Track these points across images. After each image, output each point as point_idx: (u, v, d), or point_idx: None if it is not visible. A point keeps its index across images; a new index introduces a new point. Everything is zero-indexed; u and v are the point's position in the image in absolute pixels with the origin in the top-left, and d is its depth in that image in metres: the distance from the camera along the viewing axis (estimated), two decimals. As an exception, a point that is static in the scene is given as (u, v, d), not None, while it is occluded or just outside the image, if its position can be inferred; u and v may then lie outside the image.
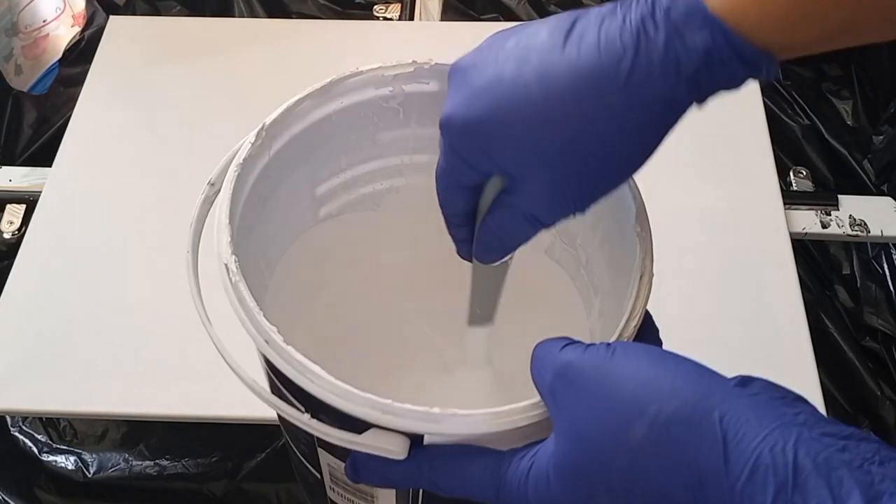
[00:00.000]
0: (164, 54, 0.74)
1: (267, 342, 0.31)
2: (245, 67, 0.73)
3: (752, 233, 0.60)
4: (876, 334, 0.65)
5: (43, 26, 0.83)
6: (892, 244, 0.67)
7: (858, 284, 0.67)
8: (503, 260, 0.34)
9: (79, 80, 0.73)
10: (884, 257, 0.67)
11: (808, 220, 0.63)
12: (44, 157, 0.70)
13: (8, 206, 0.67)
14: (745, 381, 0.25)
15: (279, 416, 0.35)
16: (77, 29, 0.84)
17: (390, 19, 0.79)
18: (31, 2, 0.81)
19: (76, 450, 0.58)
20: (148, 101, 0.71)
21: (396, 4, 0.80)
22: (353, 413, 0.28)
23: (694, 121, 0.71)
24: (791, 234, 0.60)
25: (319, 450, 0.35)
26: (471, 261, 0.35)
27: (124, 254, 0.61)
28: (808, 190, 0.67)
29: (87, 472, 0.57)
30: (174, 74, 0.72)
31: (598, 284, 0.40)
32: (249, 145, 0.36)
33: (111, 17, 0.78)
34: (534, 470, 0.28)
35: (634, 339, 0.31)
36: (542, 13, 0.80)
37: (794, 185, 0.68)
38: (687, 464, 0.24)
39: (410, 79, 0.39)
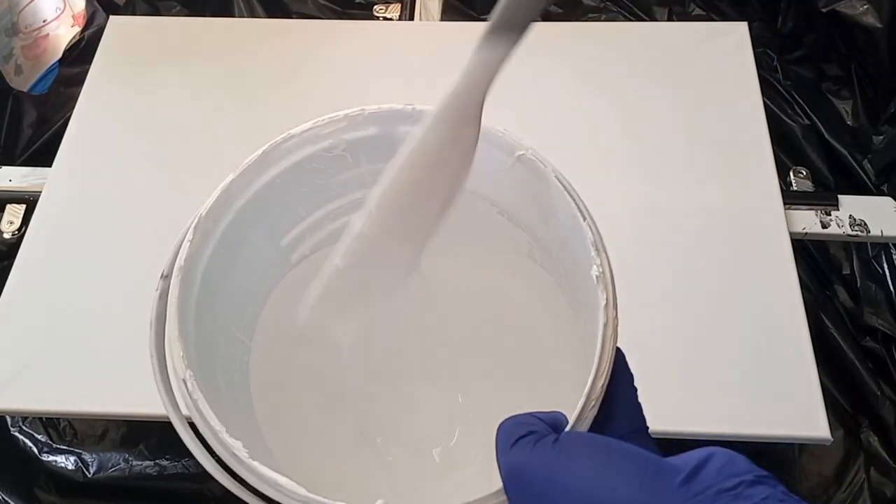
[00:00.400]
0: (164, 54, 0.74)
1: (233, 459, 0.31)
2: (245, 67, 0.73)
3: (752, 233, 0.60)
4: (876, 334, 0.65)
5: (43, 26, 0.83)
6: (892, 244, 0.67)
7: (858, 284, 0.67)
8: None
9: (79, 80, 0.73)
10: (884, 257, 0.67)
11: (808, 220, 0.63)
12: (44, 157, 0.70)
13: (8, 206, 0.67)
14: (695, 472, 0.25)
15: None
16: (77, 29, 0.84)
17: (390, 19, 0.79)
18: (31, 2, 0.81)
19: (76, 450, 0.58)
20: (148, 100, 0.71)
21: (396, 4, 0.80)
22: None
23: (694, 121, 0.71)
24: (791, 234, 0.60)
25: None
26: None
27: (124, 253, 0.61)
28: (808, 190, 0.67)
29: (87, 472, 0.57)
30: (174, 74, 0.72)
31: (580, 297, 0.40)
32: (189, 243, 0.36)
33: (111, 17, 0.78)
34: None
35: (608, 385, 0.31)
36: (542, 13, 0.80)
37: (794, 185, 0.68)
38: None
39: (348, 129, 0.39)
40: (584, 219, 0.35)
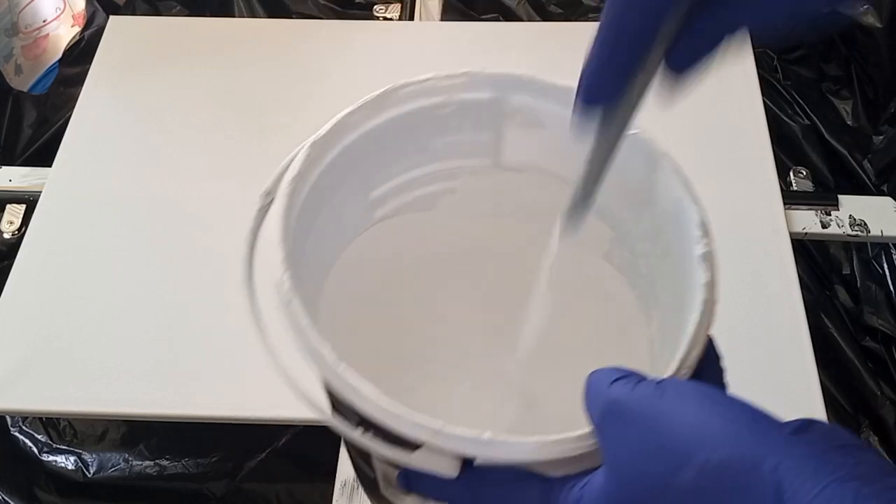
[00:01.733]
0: (164, 54, 0.74)
1: (321, 362, 0.31)
2: (245, 67, 0.73)
3: (752, 233, 0.60)
4: (876, 334, 0.65)
5: (43, 26, 0.83)
6: (892, 244, 0.67)
7: (858, 284, 0.67)
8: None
9: (79, 80, 0.73)
10: (884, 257, 0.67)
11: (808, 220, 0.63)
12: (44, 157, 0.70)
13: (8, 206, 0.67)
14: (802, 428, 0.24)
15: None
16: (77, 29, 0.84)
17: (390, 19, 0.79)
18: (31, 2, 0.81)
19: (76, 450, 0.58)
20: (148, 101, 0.71)
21: (396, 4, 0.80)
22: (405, 434, 0.29)
23: (694, 121, 0.71)
24: (791, 234, 0.60)
25: (373, 458, 0.35)
26: (608, 101, 0.32)
27: (124, 254, 0.61)
28: (808, 190, 0.67)
29: (87, 472, 0.57)
30: (174, 74, 0.72)
31: (659, 297, 0.39)
32: (300, 161, 0.36)
33: (111, 17, 0.78)
34: (583, 501, 0.27)
35: (695, 369, 0.30)
36: (542, 13, 0.80)
37: (794, 185, 0.68)
38: None
39: (463, 89, 0.38)
40: (692, 200, 0.35)
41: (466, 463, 0.29)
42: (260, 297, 0.34)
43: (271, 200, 0.36)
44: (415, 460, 0.29)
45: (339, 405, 0.32)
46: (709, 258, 0.32)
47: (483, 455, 0.29)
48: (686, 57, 0.30)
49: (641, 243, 0.39)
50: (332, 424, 0.31)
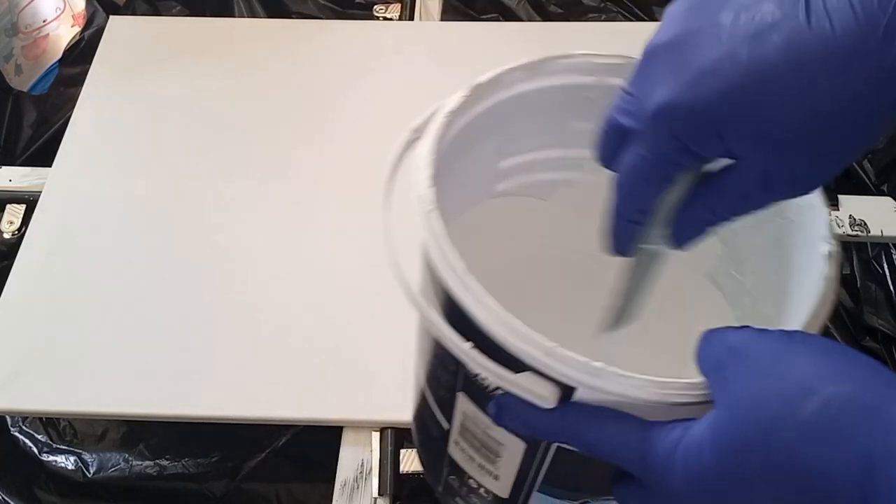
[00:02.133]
0: (164, 54, 0.74)
1: (451, 268, 0.31)
2: (245, 67, 0.73)
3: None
4: (876, 334, 0.65)
5: (43, 26, 0.83)
6: (892, 244, 0.67)
7: (858, 284, 0.67)
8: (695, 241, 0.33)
9: (79, 80, 0.73)
10: (884, 257, 0.67)
11: (808, 220, 0.63)
12: (44, 157, 0.70)
13: (8, 206, 0.67)
14: None
15: (431, 355, 0.35)
16: (77, 29, 0.84)
17: (390, 19, 0.79)
18: (31, 2, 0.81)
19: (76, 450, 0.58)
20: (148, 100, 0.71)
21: (396, 4, 0.80)
22: (517, 350, 0.29)
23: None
24: (791, 234, 0.60)
25: (459, 395, 0.35)
26: (625, 254, 0.34)
27: (124, 254, 0.61)
28: (808, 190, 0.67)
29: (87, 472, 0.57)
30: (174, 74, 0.72)
31: (762, 314, 0.39)
32: (460, 98, 0.36)
33: (111, 17, 0.78)
34: (686, 439, 0.27)
35: None
36: (542, 13, 0.80)
37: (794, 185, 0.68)
38: (858, 446, 0.24)
39: (617, 72, 0.37)
40: (823, 203, 0.34)
41: (565, 396, 0.29)
42: (394, 224, 0.35)
43: (417, 138, 0.36)
44: (517, 382, 0.29)
45: (453, 317, 0.31)
46: (834, 257, 0.33)
47: (589, 384, 0.28)
48: (681, 237, 0.32)
49: (753, 258, 0.39)
50: (442, 333, 0.31)
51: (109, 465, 0.57)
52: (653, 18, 0.80)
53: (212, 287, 0.60)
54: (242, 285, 0.60)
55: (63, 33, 0.84)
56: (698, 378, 0.28)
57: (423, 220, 0.33)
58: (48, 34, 0.84)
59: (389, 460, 0.53)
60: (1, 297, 0.60)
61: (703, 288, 0.42)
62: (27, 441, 0.58)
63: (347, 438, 0.55)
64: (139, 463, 0.57)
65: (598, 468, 0.32)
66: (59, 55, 0.81)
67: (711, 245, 0.39)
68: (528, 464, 0.34)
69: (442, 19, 0.79)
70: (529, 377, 0.29)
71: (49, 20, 0.83)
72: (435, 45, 0.74)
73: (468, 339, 0.30)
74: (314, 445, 0.56)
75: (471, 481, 0.38)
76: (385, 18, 0.79)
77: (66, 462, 0.57)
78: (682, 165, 0.29)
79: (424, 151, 0.35)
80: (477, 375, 0.32)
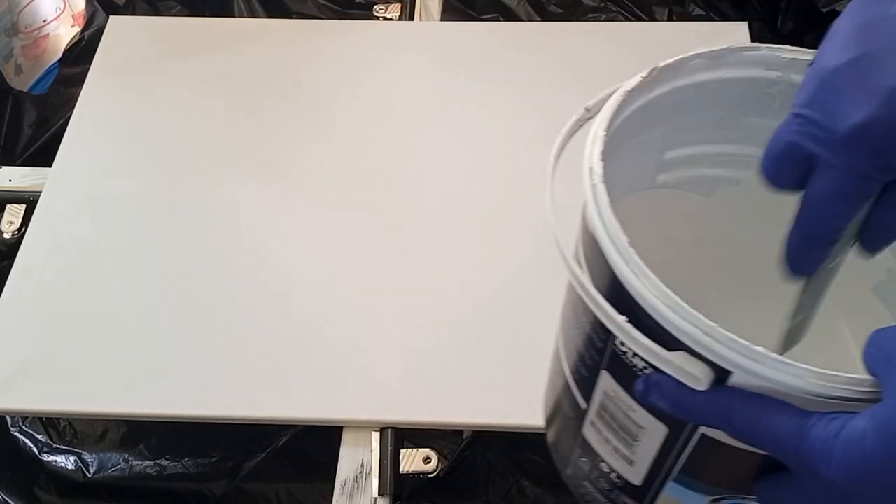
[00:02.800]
0: (164, 54, 0.74)
1: (611, 240, 0.31)
2: (245, 67, 0.73)
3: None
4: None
5: (43, 26, 0.83)
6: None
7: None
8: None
9: (79, 80, 0.73)
10: (884, 257, 0.67)
11: (808, 220, 0.63)
12: (44, 157, 0.70)
13: (8, 206, 0.67)
14: None
15: (577, 330, 0.35)
16: (77, 29, 0.84)
17: (390, 19, 0.79)
18: (31, 2, 0.81)
19: (76, 450, 0.58)
20: (148, 100, 0.71)
21: (396, 4, 0.80)
22: (676, 327, 0.28)
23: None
24: (791, 234, 0.60)
25: (602, 373, 0.34)
26: (808, 275, 0.34)
27: (124, 254, 0.61)
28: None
29: (87, 472, 0.57)
30: (174, 74, 0.72)
31: None
32: (639, 79, 0.36)
33: (111, 17, 0.78)
34: (848, 428, 0.26)
35: None
36: (542, 13, 0.80)
37: (794, 185, 0.68)
38: None
39: (803, 69, 0.36)
40: None
41: (719, 379, 0.28)
42: (557, 200, 0.35)
43: (589, 117, 0.36)
44: (671, 361, 0.29)
45: (609, 290, 0.31)
46: None
47: (748, 369, 0.27)
48: (874, 246, 0.33)
49: None
50: (596, 304, 0.30)
51: (109, 465, 0.57)
52: (652, 18, 0.80)
53: (212, 287, 0.60)
54: (242, 285, 0.60)
55: (63, 33, 0.84)
56: (865, 375, 0.27)
57: (590, 191, 0.33)
58: (48, 34, 0.84)
59: (389, 460, 0.53)
60: (1, 297, 0.60)
61: (868, 301, 0.41)
62: (27, 441, 0.58)
63: (347, 438, 0.55)
64: (139, 463, 0.57)
65: (741, 461, 0.31)
66: (59, 55, 0.81)
67: (881, 257, 0.38)
68: (668, 450, 0.33)
69: (442, 19, 0.79)
70: (684, 357, 0.28)
71: (49, 20, 0.83)
72: (435, 45, 0.74)
73: (623, 314, 0.30)
74: (314, 445, 0.56)
75: (603, 465, 0.38)
76: (385, 18, 0.79)
77: (66, 462, 0.57)
78: (880, 182, 0.30)
79: (599, 126, 0.34)
80: (626, 353, 0.31)
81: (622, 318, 0.30)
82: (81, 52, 0.79)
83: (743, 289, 0.42)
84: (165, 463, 0.57)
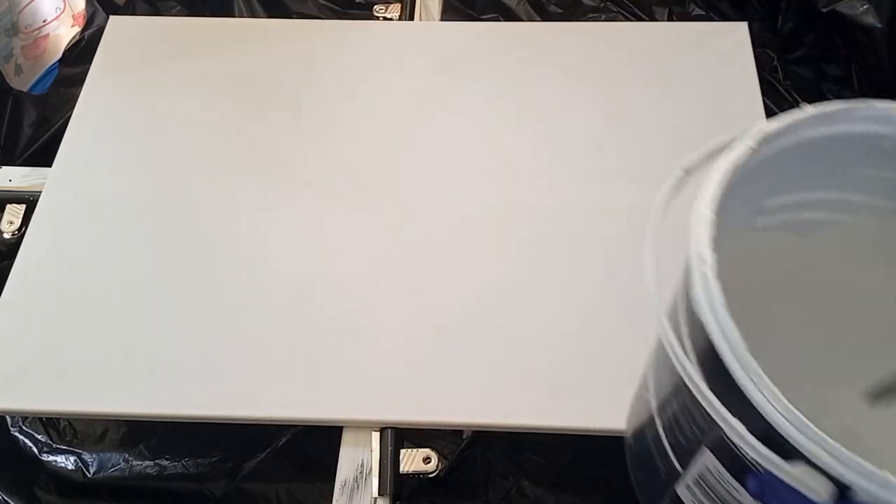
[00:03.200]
0: (164, 54, 0.74)
1: (726, 342, 0.29)
2: (245, 67, 0.73)
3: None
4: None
5: (43, 26, 0.83)
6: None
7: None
8: None
9: (79, 80, 0.73)
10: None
11: (808, 220, 0.63)
12: (44, 157, 0.70)
13: (8, 206, 0.67)
14: None
15: (678, 403, 0.34)
16: (77, 29, 0.84)
17: (390, 19, 0.79)
18: (31, 2, 0.81)
19: (76, 450, 0.58)
20: (148, 101, 0.71)
21: (396, 4, 0.80)
22: (797, 442, 0.27)
23: (694, 121, 0.71)
24: (791, 234, 0.60)
25: (705, 449, 0.34)
26: None
27: (124, 254, 0.61)
28: (809, 190, 0.67)
29: (87, 472, 0.57)
30: (174, 74, 0.72)
31: None
32: (748, 149, 0.35)
33: (111, 17, 0.78)
34: None
35: None
36: (542, 13, 0.80)
37: (794, 185, 0.68)
38: None
39: None
40: None
41: (842, 494, 0.28)
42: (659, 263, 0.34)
43: (687, 179, 0.36)
44: (792, 474, 0.28)
45: (719, 386, 0.30)
46: None
47: (871, 492, 0.27)
48: None
49: None
50: (711, 405, 0.30)
51: (109, 465, 0.57)
52: (652, 18, 0.80)
53: (212, 287, 0.60)
54: (242, 285, 0.60)
55: (63, 33, 0.84)
56: None
57: (700, 281, 0.31)
58: (48, 34, 0.84)
59: (389, 460, 0.53)
60: (1, 297, 0.60)
61: None
62: (27, 441, 0.58)
63: (347, 438, 0.55)
64: (139, 463, 0.57)
65: None
66: (59, 55, 0.81)
67: None
68: None
69: (442, 19, 0.79)
70: (806, 470, 0.28)
71: (49, 20, 0.83)
72: (435, 45, 0.74)
73: (733, 411, 0.29)
74: (314, 445, 0.56)
75: None
76: (385, 18, 0.79)
77: (66, 462, 0.57)
78: None
79: (706, 207, 0.33)
80: (738, 447, 0.30)
81: (741, 425, 0.29)
82: (81, 52, 0.79)
83: (844, 327, 0.41)
84: (165, 463, 0.57)
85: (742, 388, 0.29)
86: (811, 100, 0.76)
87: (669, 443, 0.36)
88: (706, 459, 0.33)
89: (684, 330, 0.33)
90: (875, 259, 0.34)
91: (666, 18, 0.80)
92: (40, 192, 0.65)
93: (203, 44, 0.75)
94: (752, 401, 0.28)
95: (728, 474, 0.32)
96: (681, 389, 0.33)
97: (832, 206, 0.41)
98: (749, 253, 0.41)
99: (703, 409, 0.30)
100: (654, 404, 0.38)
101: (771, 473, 0.29)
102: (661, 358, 0.37)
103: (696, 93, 0.68)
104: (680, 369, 0.31)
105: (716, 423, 0.30)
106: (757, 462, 0.29)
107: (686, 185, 0.36)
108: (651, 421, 0.38)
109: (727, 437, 0.30)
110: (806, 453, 0.27)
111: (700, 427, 0.32)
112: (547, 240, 0.61)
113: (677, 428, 0.35)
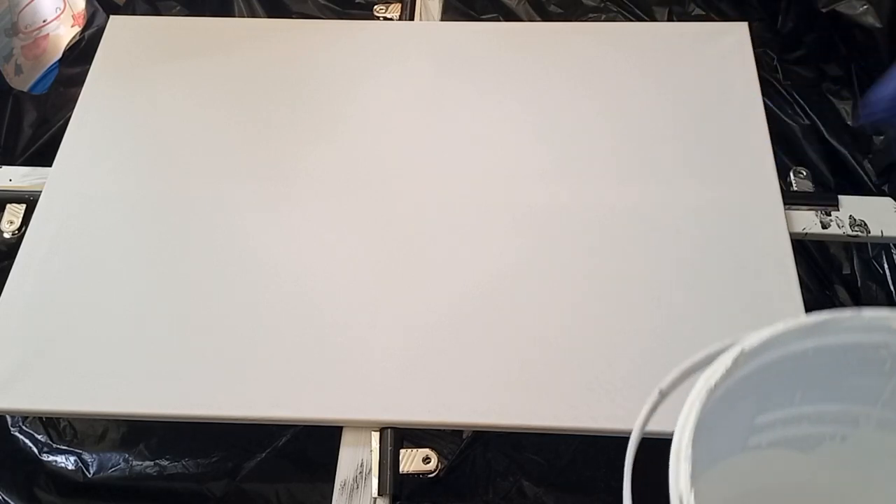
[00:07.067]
0: (164, 54, 0.74)
1: None
2: (245, 67, 0.73)
3: (752, 233, 0.60)
4: (876, 334, 0.65)
5: (43, 26, 0.83)
6: (893, 244, 0.67)
7: (859, 284, 0.67)
8: None
9: (79, 80, 0.73)
10: (884, 257, 0.67)
11: (808, 221, 0.63)
12: (44, 157, 0.70)
13: (8, 206, 0.67)
14: None
15: None
16: (77, 29, 0.84)
17: (390, 19, 0.79)
18: (31, 2, 0.81)
19: (76, 450, 0.58)
20: (148, 100, 0.71)
21: (396, 4, 0.80)
22: None
23: (694, 121, 0.71)
24: (791, 235, 0.60)
25: None
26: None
27: (124, 254, 0.61)
28: (808, 190, 0.67)
29: (87, 472, 0.57)
30: (174, 74, 0.72)
31: None
32: (720, 373, 0.33)
33: (111, 17, 0.78)
34: None
35: None
36: (543, 13, 0.80)
37: (794, 185, 0.68)
38: None
39: None
40: None
41: None
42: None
43: (662, 400, 0.34)
44: None
45: None
46: None
47: None
48: None
49: None
50: None
51: (109, 465, 0.57)
52: (652, 18, 0.80)
53: (212, 287, 0.60)
54: (242, 285, 0.60)
55: (63, 33, 0.84)
56: None
57: None
58: (48, 34, 0.84)
59: (389, 460, 0.53)
60: (1, 297, 0.60)
61: None
62: (27, 441, 0.58)
63: (347, 438, 0.55)
64: (139, 463, 0.57)
65: None
66: (59, 55, 0.81)
67: None
68: None
69: (442, 19, 0.79)
70: None
71: (49, 20, 0.83)
72: (435, 45, 0.74)
73: None
74: (314, 445, 0.56)
75: None
76: (385, 18, 0.79)
77: (66, 462, 0.57)
78: None
79: (684, 441, 0.32)
80: None
81: None
82: (81, 52, 0.79)
83: None
84: (165, 463, 0.57)
85: None
86: (811, 100, 0.76)
87: None
88: None
89: None
90: (881, 473, 0.32)
91: (666, 18, 0.80)
92: (40, 192, 0.65)
93: (203, 44, 0.75)
94: None
95: None
96: None
97: (831, 419, 0.39)
98: (746, 470, 0.40)
99: None
100: None
101: None
102: None
103: (696, 93, 0.68)
104: None
105: None
106: None
107: (658, 406, 0.34)
108: None
109: None
110: None
111: None
112: (547, 239, 0.61)
113: None
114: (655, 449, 0.49)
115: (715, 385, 0.32)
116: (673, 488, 0.31)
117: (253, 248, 0.61)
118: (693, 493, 0.30)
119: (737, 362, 0.33)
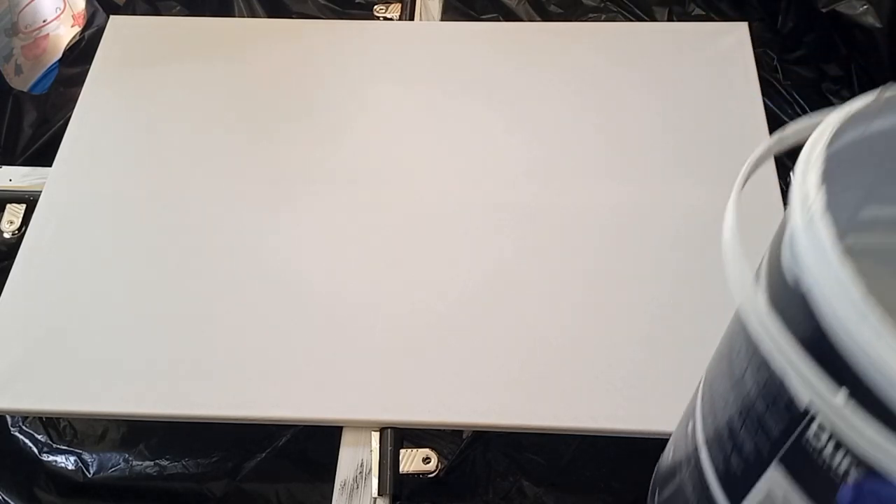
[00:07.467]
0: (164, 54, 0.74)
1: (841, 290, 0.23)
2: (245, 67, 0.73)
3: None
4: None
5: (43, 26, 0.83)
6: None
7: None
8: None
9: (79, 80, 0.73)
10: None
11: (808, 220, 0.63)
12: (44, 157, 0.70)
13: (8, 206, 0.67)
14: None
15: (740, 404, 0.27)
16: (77, 29, 0.84)
17: (390, 19, 0.79)
18: (31, 2, 0.81)
19: (76, 450, 0.58)
20: (148, 100, 0.71)
21: (396, 4, 0.80)
22: None
23: (694, 121, 0.71)
24: (791, 234, 0.60)
25: (772, 470, 0.27)
26: None
27: (124, 253, 0.61)
28: (808, 190, 0.67)
29: (87, 472, 0.57)
30: (174, 74, 0.72)
31: None
32: (867, 102, 0.28)
33: (111, 17, 0.78)
34: None
35: None
36: (542, 13, 0.80)
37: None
38: None
39: None
40: None
41: None
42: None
43: (780, 142, 0.30)
44: None
45: (826, 352, 0.24)
46: None
47: None
48: None
49: None
50: (803, 376, 0.23)
51: (109, 465, 0.57)
52: (652, 18, 0.80)
53: (212, 287, 0.60)
54: (242, 285, 0.60)
55: (63, 33, 0.84)
56: None
57: (804, 228, 0.26)
58: (48, 34, 0.84)
59: (389, 460, 0.53)
60: (1, 297, 0.60)
61: None
62: (27, 441, 0.58)
63: (347, 438, 0.55)
64: (139, 463, 0.57)
65: None
66: (59, 55, 0.81)
67: None
68: None
69: (442, 19, 0.79)
70: None
71: (49, 20, 0.83)
72: (435, 45, 0.74)
73: (847, 383, 0.22)
74: (314, 445, 0.56)
75: None
76: (385, 18, 0.79)
77: (66, 462, 0.57)
78: None
79: (814, 148, 0.28)
80: (821, 449, 0.24)
81: (841, 393, 0.22)
82: (81, 52, 0.79)
83: None
84: (165, 463, 0.57)
85: (859, 338, 0.22)
86: (811, 100, 0.76)
87: (719, 475, 0.30)
88: (772, 484, 0.27)
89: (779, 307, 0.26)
90: None
91: (666, 18, 0.80)
92: (40, 192, 0.65)
93: (203, 44, 0.75)
94: (862, 360, 0.22)
95: (803, 498, 0.26)
96: (743, 382, 0.28)
97: None
98: None
99: (782, 402, 0.24)
100: (700, 437, 0.32)
101: (870, 474, 0.23)
102: (724, 366, 0.31)
103: (696, 93, 0.68)
104: (761, 337, 0.24)
105: (798, 423, 0.24)
106: (849, 461, 0.23)
107: (780, 150, 0.30)
108: (694, 454, 0.32)
109: (808, 440, 0.24)
110: None
111: (770, 436, 0.26)
112: (547, 239, 0.61)
113: (732, 447, 0.29)
114: (656, 448, 0.49)
115: (853, 115, 0.28)
116: (797, 189, 0.26)
117: (253, 248, 0.62)
118: (823, 195, 0.25)
119: (875, 103, 0.28)
